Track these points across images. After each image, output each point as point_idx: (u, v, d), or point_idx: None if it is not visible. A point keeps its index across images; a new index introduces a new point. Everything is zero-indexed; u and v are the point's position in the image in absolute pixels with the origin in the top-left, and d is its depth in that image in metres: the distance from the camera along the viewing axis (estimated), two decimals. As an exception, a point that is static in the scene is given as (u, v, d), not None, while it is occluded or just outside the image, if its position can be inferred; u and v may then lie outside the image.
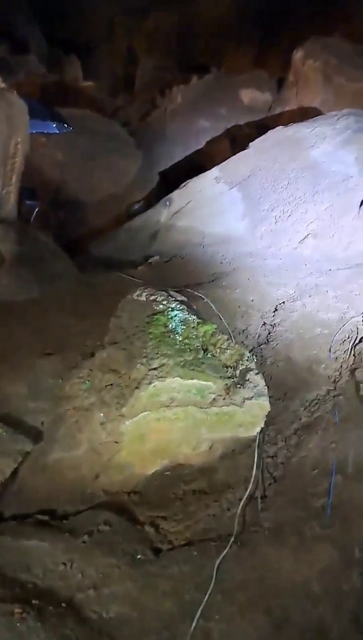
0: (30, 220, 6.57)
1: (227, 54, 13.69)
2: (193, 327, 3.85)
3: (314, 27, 11.44)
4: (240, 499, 3.20)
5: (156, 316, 3.90)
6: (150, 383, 3.38)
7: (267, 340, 4.54)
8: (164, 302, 4.05)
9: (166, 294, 4.21)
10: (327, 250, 5.89)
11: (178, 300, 4.17)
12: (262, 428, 3.56)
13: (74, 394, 3.80)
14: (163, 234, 6.78)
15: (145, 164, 9.17)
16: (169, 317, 3.90)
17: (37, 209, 6.70)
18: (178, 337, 3.72)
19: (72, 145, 8.45)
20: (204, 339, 3.78)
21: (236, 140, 8.97)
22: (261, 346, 4.46)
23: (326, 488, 3.23)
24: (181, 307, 4.04)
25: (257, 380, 3.61)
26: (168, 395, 3.39)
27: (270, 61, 12.76)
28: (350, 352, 4.36)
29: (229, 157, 7.10)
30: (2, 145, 5.37)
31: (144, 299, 4.12)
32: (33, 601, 2.58)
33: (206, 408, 3.41)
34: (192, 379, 3.43)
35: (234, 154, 7.18)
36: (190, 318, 3.94)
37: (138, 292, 4.20)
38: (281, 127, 7.08)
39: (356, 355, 4.31)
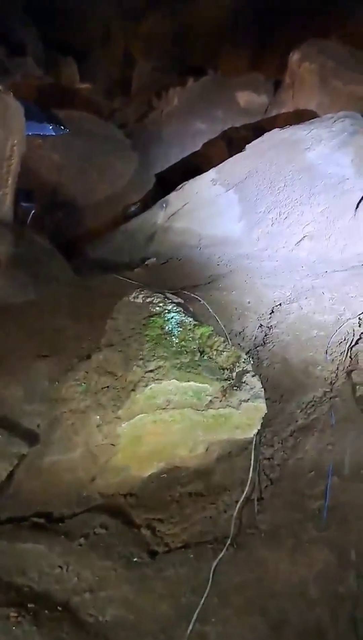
0: (27, 222, 6.55)
1: (223, 56, 13.71)
2: (190, 329, 3.85)
3: (310, 29, 11.47)
4: (237, 501, 3.21)
5: (152, 318, 3.90)
6: (146, 385, 3.38)
7: (263, 342, 4.55)
8: (161, 304, 4.06)
9: (162, 296, 4.21)
10: (323, 252, 5.91)
11: (174, 302, 4.18)
12: (259, 430, 3.57)
13: (70, 396, 3.79)
14: (160, 235, 6.78)
15: (142, 166, 9.16)
16: (166, 319, 3.90)
17: (33, 211, 6.68)
18: (174, 340, 3.72)
19: (69, 147, 8.44)
20: (200, 341, 3.79)
21: (233, 142, 8.97)
22: (258, 348, 4.47)
23: (322, 490, 3.24)
24: (177, 309, 4.04)
25: (254, 382, 3.62)
26: (164, 398, 3.39)
27: (266, 63, 12.76)
28: (346, 354, 4.37)
29: (225, 159, 7.10)
30: (-2, 147, 5.37)
31: (141, 301, 4.12)
32: (29, 605, 2.58)
33: (203, 410, 3.41)
34: (188, 381, 3.43)
35: (230, 156, 7.18)
36: (187, 320, 3.94)
37: (134, 294, 4.21)
38: (277, 129, 7.09)
39: (352, 357, 4.33)
